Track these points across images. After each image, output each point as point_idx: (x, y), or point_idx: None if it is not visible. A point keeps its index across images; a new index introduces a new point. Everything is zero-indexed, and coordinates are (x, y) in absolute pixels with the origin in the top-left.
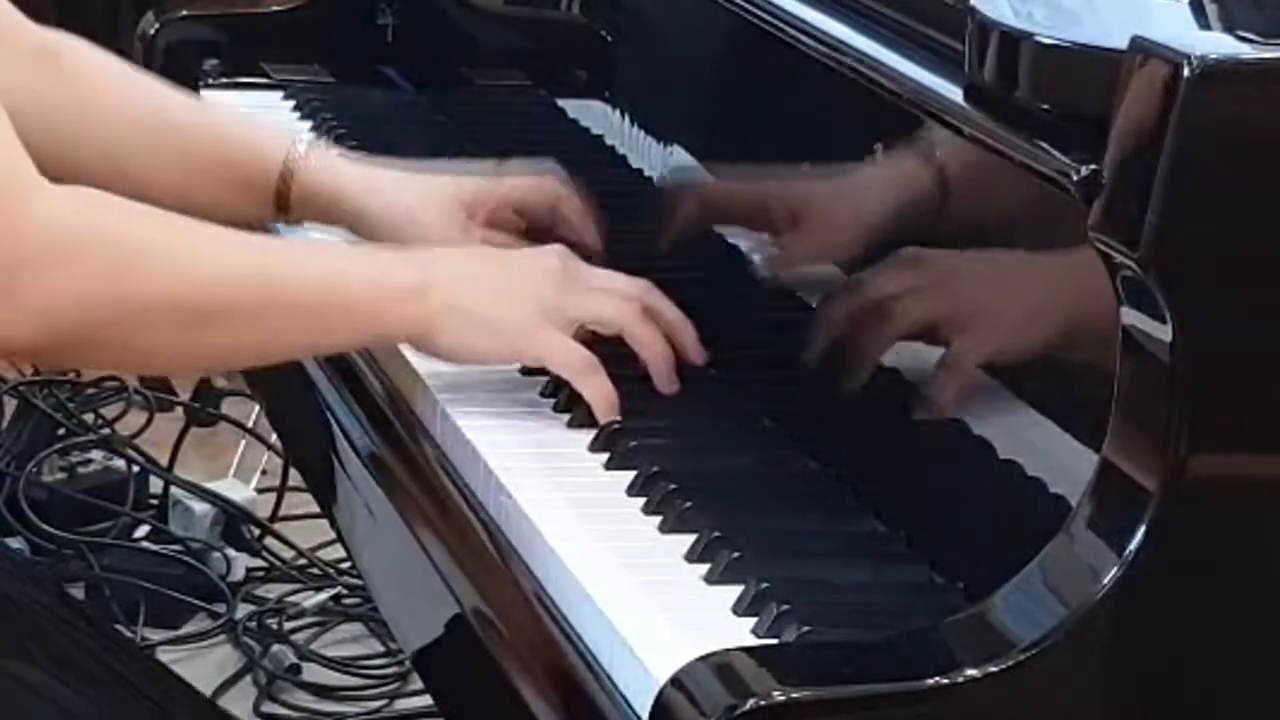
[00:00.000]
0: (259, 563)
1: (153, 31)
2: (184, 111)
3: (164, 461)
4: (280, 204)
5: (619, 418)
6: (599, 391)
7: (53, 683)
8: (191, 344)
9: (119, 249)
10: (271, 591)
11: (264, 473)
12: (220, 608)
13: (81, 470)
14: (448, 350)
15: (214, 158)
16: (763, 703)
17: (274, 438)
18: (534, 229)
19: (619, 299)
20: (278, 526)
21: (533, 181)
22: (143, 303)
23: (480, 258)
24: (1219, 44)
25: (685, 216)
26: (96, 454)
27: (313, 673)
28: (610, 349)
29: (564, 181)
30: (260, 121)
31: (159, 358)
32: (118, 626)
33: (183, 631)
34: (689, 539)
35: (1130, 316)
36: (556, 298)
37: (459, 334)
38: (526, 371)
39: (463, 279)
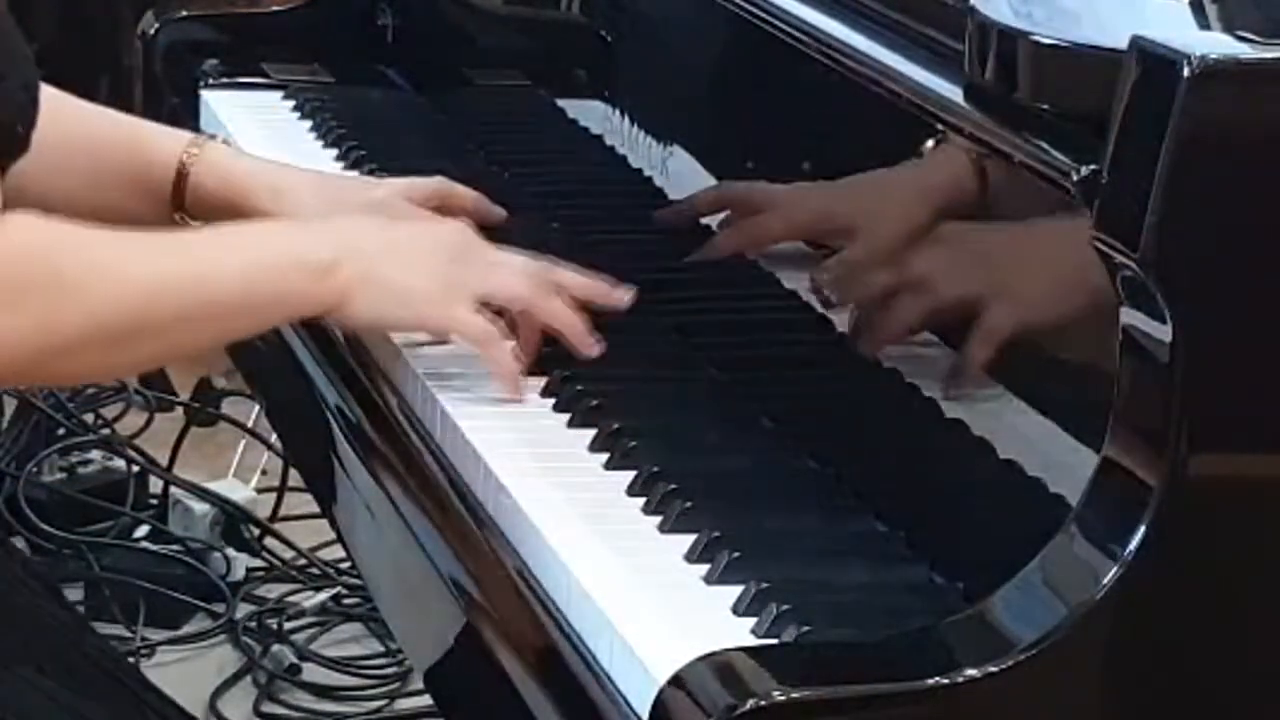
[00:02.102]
0: (259, 563)
1: (153, 31)
2: (81, 120)
3: (164, 461)
4: (178, 205)
5: (519, 396)
6: (502, 362)
7: (63, 690)
8: (122, 359)
9: (44, 292)
10: (271, 591)
11: (264, 473)
12: (220, 608)
13: (81, 470)
14: (359, 319)
15: (110, 164)
16: (763, 703)
17: (274, 438)
18: None
19: (522, 275)
20: (278, 526)
21: (431, 186)
22: (72, 335)
23: (389, 228)
24: (1219, 44)
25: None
26: (96, 454)
27: (313, 673)
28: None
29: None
30: (158, 127)
31: (93, 374)
32: (118, 626)
33: (183, 631)
34: (689, 539)
35: (1130, 316)
36: (462, 271)
37: (371, 305)
38: (527, 371)
39: (373, 251)
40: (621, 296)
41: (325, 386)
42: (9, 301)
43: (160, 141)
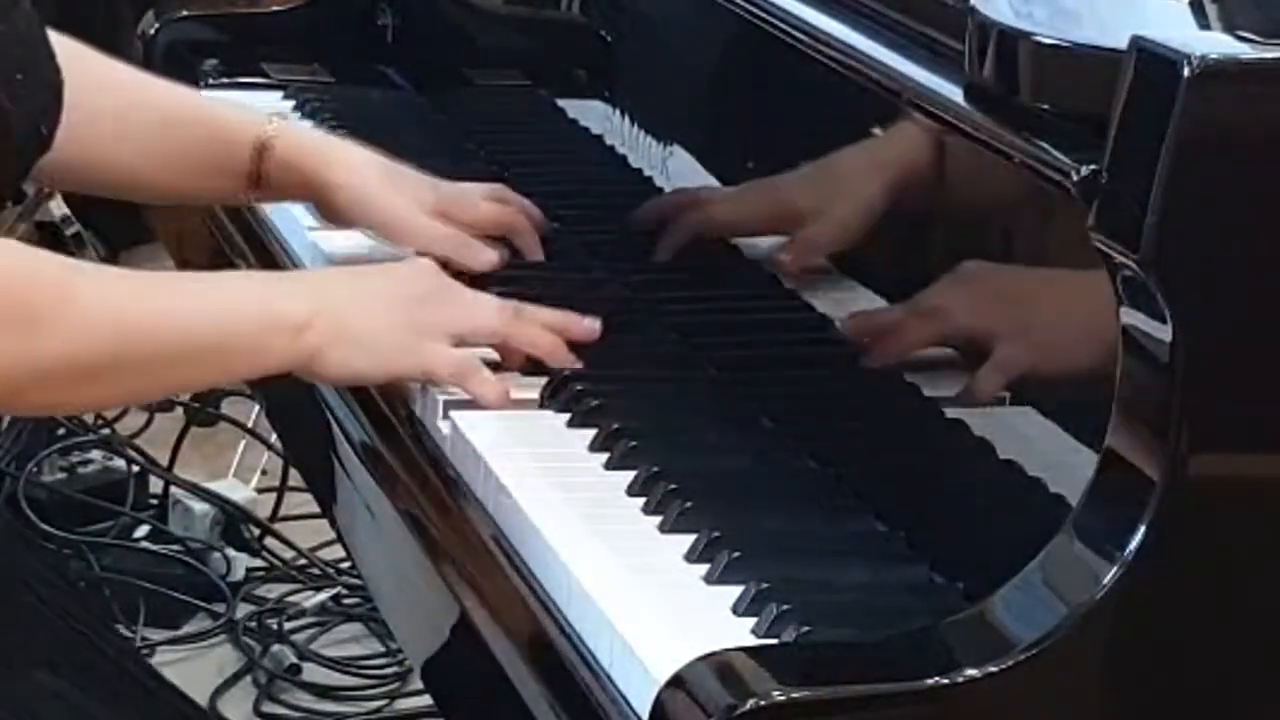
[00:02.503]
0: (259, 563)
1: (153, 31)
2: (164, 95)
3: (164, 461)
4: (253, 182)
5: (509, 409)
6: (488, 390)
7: (74, 690)
8: (84, 396)
9: (19, 322)
10: (271, 591)
11: (264, 473)
12: (220, 608)
13: (81, 470)
14: (334, 377)
15: (186, 144)
16: (763, 703)
17: (274, 438)
18: None
19: (492, 309)
20: (278, 526)
21: (498, 213)
22: (47, 366)
23: (358, 278)
24: (1219, 44)
25: (694, 225)
26: (96, 454)
27: (313, 673)
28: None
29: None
30: (235, 102)
31: (68, 406)
32: (118, 626)
33: (183, 631)
34: (689, 539)
35: (1130, 316)
36: (433, 313)
37: (344, 361)
38: (527, 372)
39: (343, 306)
40: (592, 327)
41: (325, 386)
42: (4, 318)
43: (238, 122)
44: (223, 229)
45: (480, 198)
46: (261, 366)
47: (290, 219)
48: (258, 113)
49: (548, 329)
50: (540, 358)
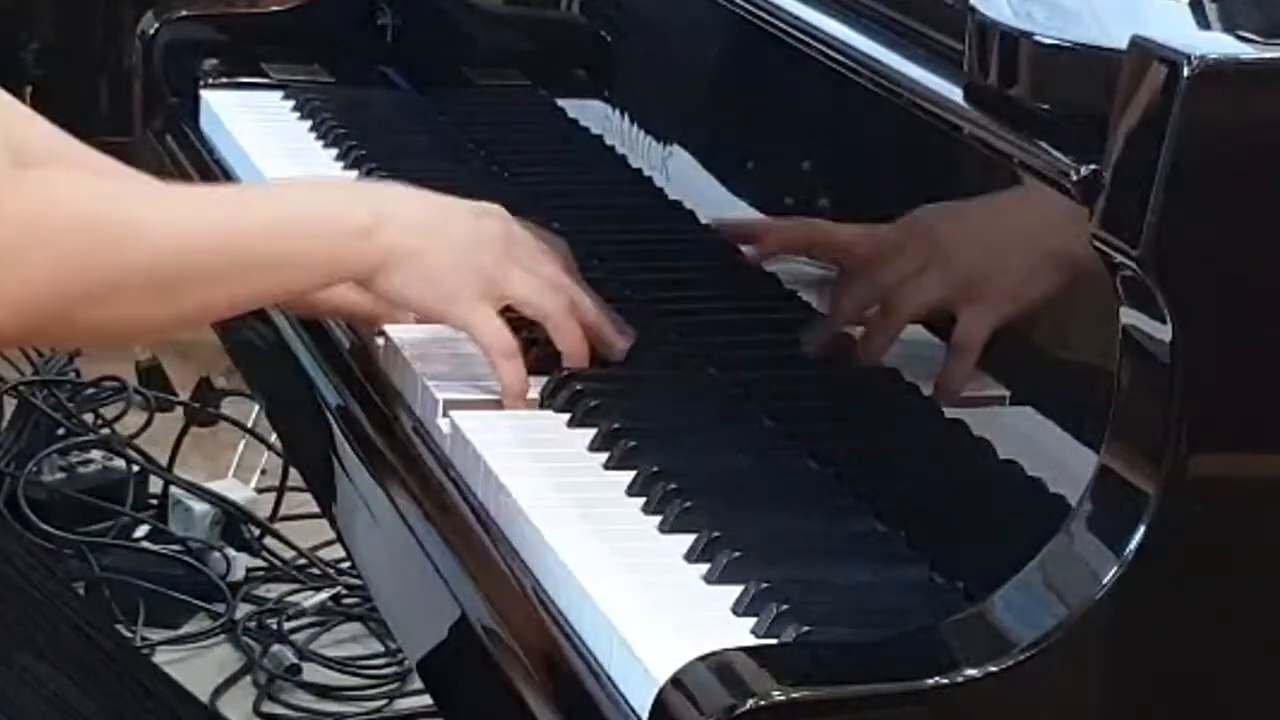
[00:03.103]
0: (259, 563)
1: (153, 31)
2: None
3: (164, 461)
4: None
5: (523, 404)
6: (514, 378)
7: (58, 675)
8: (161, 313)
9: (86, 232)
10: (271, 591)
11: (264, 473)
12: (220, 608)
13: (81, 470)
14: (386, 290)
15: None
16: (762, 703)
17: (274, 438)
18: None
19: (549, 289)
20: (278, 526)
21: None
22: (111, 280)
23: (429, 205)
24: (1219, 44)
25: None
26: (96, 454)
27: (313, 673)
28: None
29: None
30: None
31: (132, 328)
32: (118, 626)
33: (183, 631)
34: (689, 539)
35: (1130, 316)
36: (495, 269)
37: (401, 279)
38: (527, 372)
39: (416, 227)
40: (623, 348)
41: (325, 386)
42: (39, 240)
43: None
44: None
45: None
46: (324, 270)
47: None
48: None
49: (590, 319)
50: (563, 358)
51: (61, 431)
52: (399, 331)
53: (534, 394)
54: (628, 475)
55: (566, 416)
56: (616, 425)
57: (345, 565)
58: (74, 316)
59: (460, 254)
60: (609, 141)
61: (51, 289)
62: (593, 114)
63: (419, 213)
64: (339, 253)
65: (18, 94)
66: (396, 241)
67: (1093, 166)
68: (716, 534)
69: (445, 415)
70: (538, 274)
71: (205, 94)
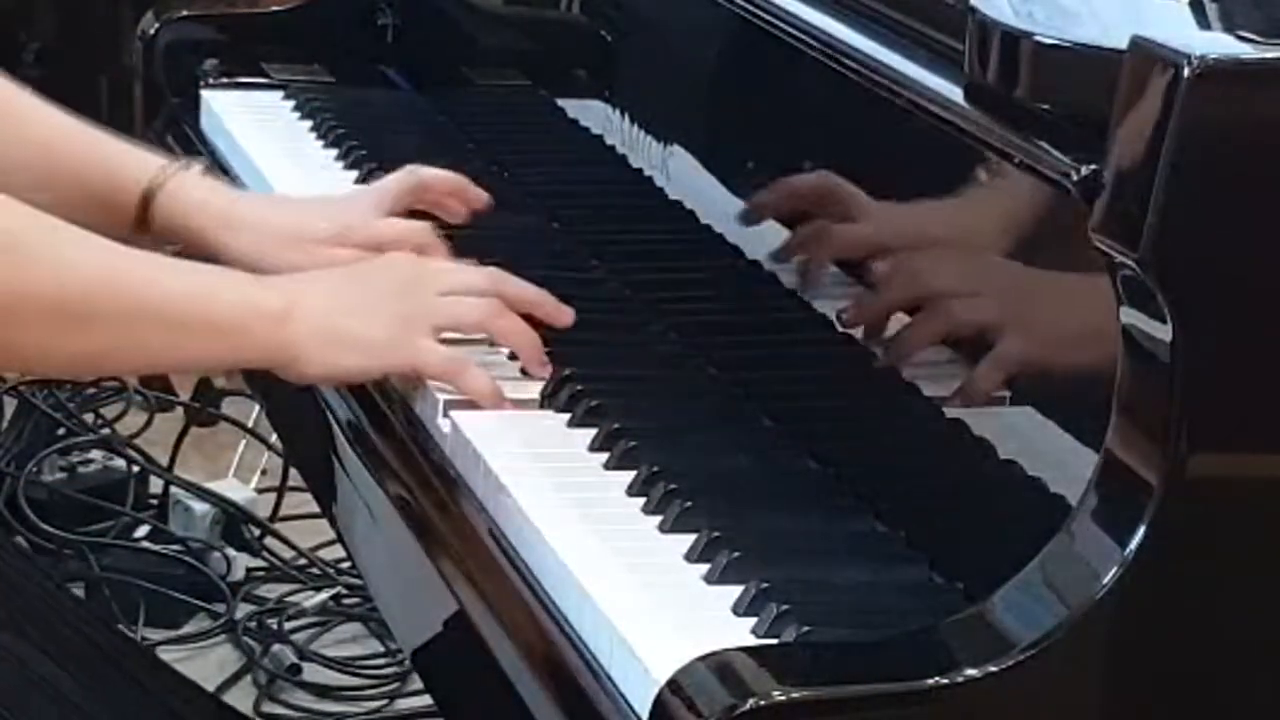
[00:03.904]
0: (259, 563)
1: (153, 31)
2: (44, 123)
3: (164, 461)
4: (140, 227)
5: (506, 408)
6: (479, 385)
7: (46, 660)
8: (62, 346)
9: (1, 252)
10: (271, 591)
11: (264, 473)
12: (220, 608)
13: (81, 470)
14: (316, 374)
15: (75, 177)
16: (763, 703)
17: (274, 438)
18: None
19: (474, 300)
20: (278, 526)
21: (402, 186)
22: (16, 299)
23: (338, 278)
24: (1219, 44)
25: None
26: (96, 454)
27: (313, 673)
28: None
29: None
30: (128, 148)
31: (30, 358)
32: (118, 626)
33: (183, 631)
34: (689, 539)
35: (1130, 316)
36: (416, 307)
37: (327, 357)
38: (526, 371)
39: (324, 303)
40: (566, 317)
41: (326, 389)
42: None
43: (130, 164)
44: None
45: (377, 213)
46: (241, 351)
47: None
48: (153, 160)
49: (527, 311)
50: (518, 355)
51: (61, 431)
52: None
53: (534, 394)
54: (628, 475)
55: (566, 416)
56: (616, 425)
57: (345, 565)
58: None
59: (375, 306)
60: (609, 141)
61: None
62: (593, 114)
63: (319, 287)
64: (253, 332)
65: None
66: (311, 322)
67: (1093, 166)
68: (716, 534)
69: (446, 415)
70: (458, 291)
71: (205, 94)
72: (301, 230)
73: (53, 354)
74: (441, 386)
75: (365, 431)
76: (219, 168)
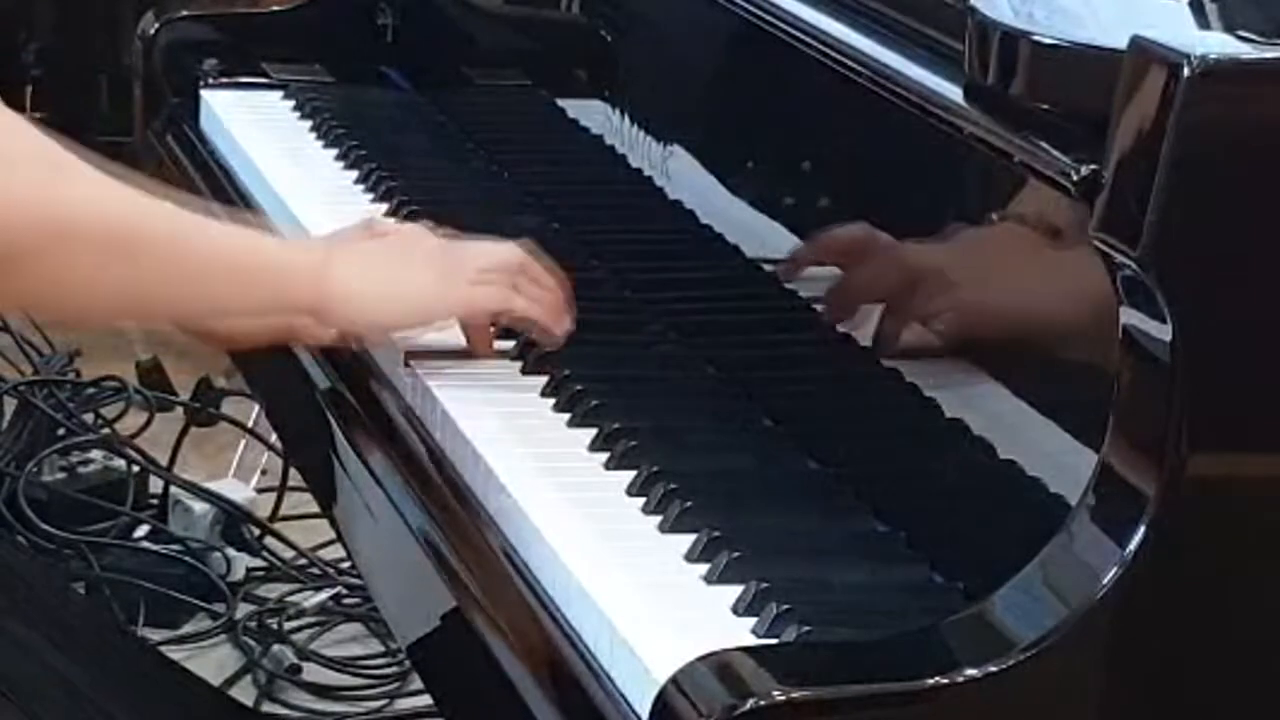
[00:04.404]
0: (259, 563)
1: (153, 31)
2: None
3: (164, 461)
4: None
5: (566, 328)
6: (534, 299)
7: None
8: (109, 279)
9: (46, 164)
10: (271, 591)
11: (264, 473)
12: (220, 608)
13: (81, 470)
14: (354, 322)
15: None
16: (762, 703)
17: (274, 438)
18: None
19: (496, 283)
20: (278, 526)
21: None
22: (66, 220)
23: (368, 245)
24: (1219, 44)
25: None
26: (96, 454)
27: (313, 673)
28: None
29: None
30: None
31: (79, 292)
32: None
33: (183, 631)
34: (689, 539)
35: (1130, 316)
36: (451, 264)
37: (364, 307)
38: (526, 371)
39: (364, 257)
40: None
41: (325, 386)
42: (26, 156)
43: None
44: None
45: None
46: (282, 297)
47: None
48: None
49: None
50: (538, 314)
51: (61, 431)
52: (399, 337)
53: (534, 394)
54: (628, 475)
55: (566, 416)
56: (616, 425)
57: (345, 565)
58: (20, 260)
59: (416, 269)
60: (609, 141)
61: (5, 214)
62: (593, 114)
63: (361, 251)
64: (296, 274)
65: (18, 94)
66: (348, 276)
67: (1093, 166)
68: (716, 534)
69: (446, 416)
70: (485, 269)
71: (205, 94)
72: None
73: (99, 287)
74: (442, 386)
75: (365, 431)
76: (219, 168)
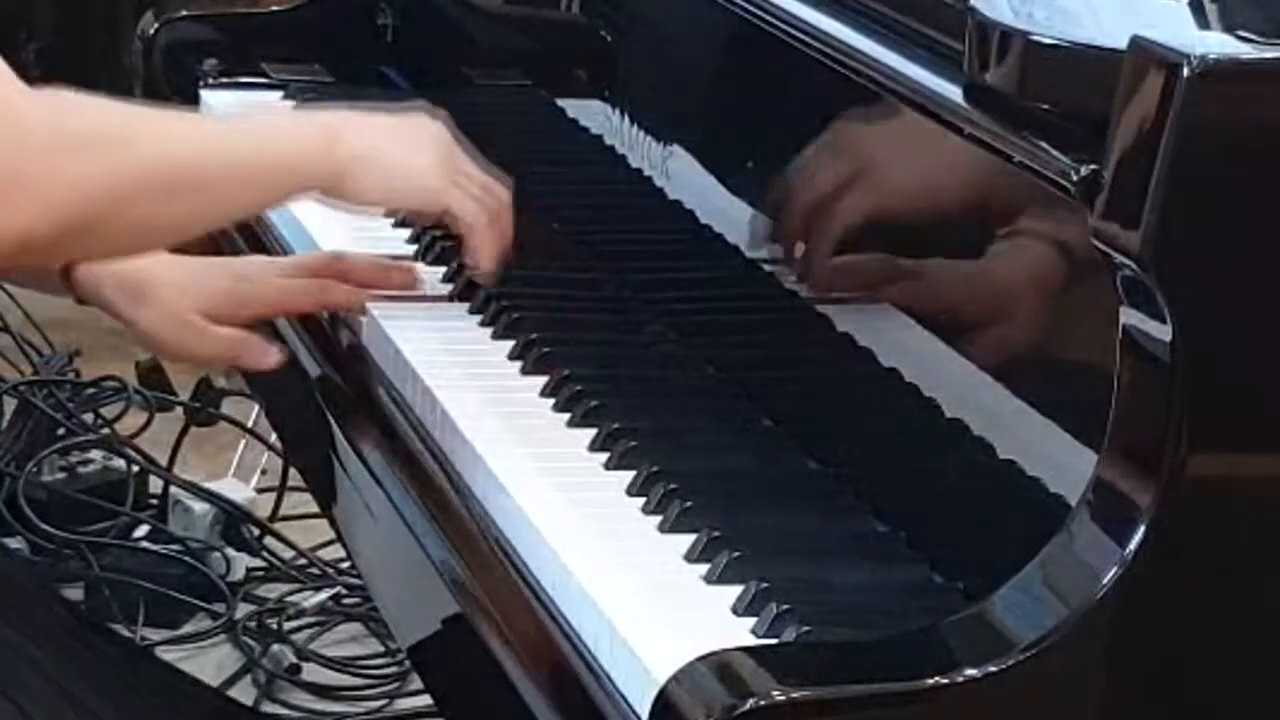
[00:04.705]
0: (259, 563)
1: (153, 31)
2: None
3: (164, 461)
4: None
5: (497, 279)
6: (489, 243)
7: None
8: (173, 213)
9: (106, 138)
10: (271, 591)
11: (264, 473)
12: (220, 608)
13: (81, 470)
14: (357, 194)
15: None
16: (762, 703)
17: (274, 438)
18: None
19: (479, 203)
20: (278, 526)
21: (309, 259)
22: (133, 180)
23: (377, 116)
24: (1219, 44)
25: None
26: (96, 454)
27: (312, 673)
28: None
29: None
30: None
31: (146, 229)
32: (118, 626)
33: (183, 631)
34: (689, 539)
35: (1130, 316)
36: (451, 158)
37: (370, 180)
38: (526, 372)
39: (365, 135)
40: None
41: (325, 386)
42: (78, 147)
43: None
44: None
45: (276, 270)
46: (302, 178)
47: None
48: None
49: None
50: (487, 249)
51: (61, 431)
52: (400, 337)
53: (534, 394)
54: (628, 475)
55: (566, 416)
56: (616, 425)
57: (345, 565)
58: (96, 220)
59: (419, 147)
60: (609, 141)
61: (79, 193)
62: (593, 114)
63: (369, 123)
64: (309, 160)
65: None
66: (356, 149)
67: (1093, 166)
68: (716, 534)
69: (446, 416)
70: (478, 178)
71: (205, 94)
72: (201, 293)
73: (164, 223)
74: (442, 386)
75: (365, 432)
76: None
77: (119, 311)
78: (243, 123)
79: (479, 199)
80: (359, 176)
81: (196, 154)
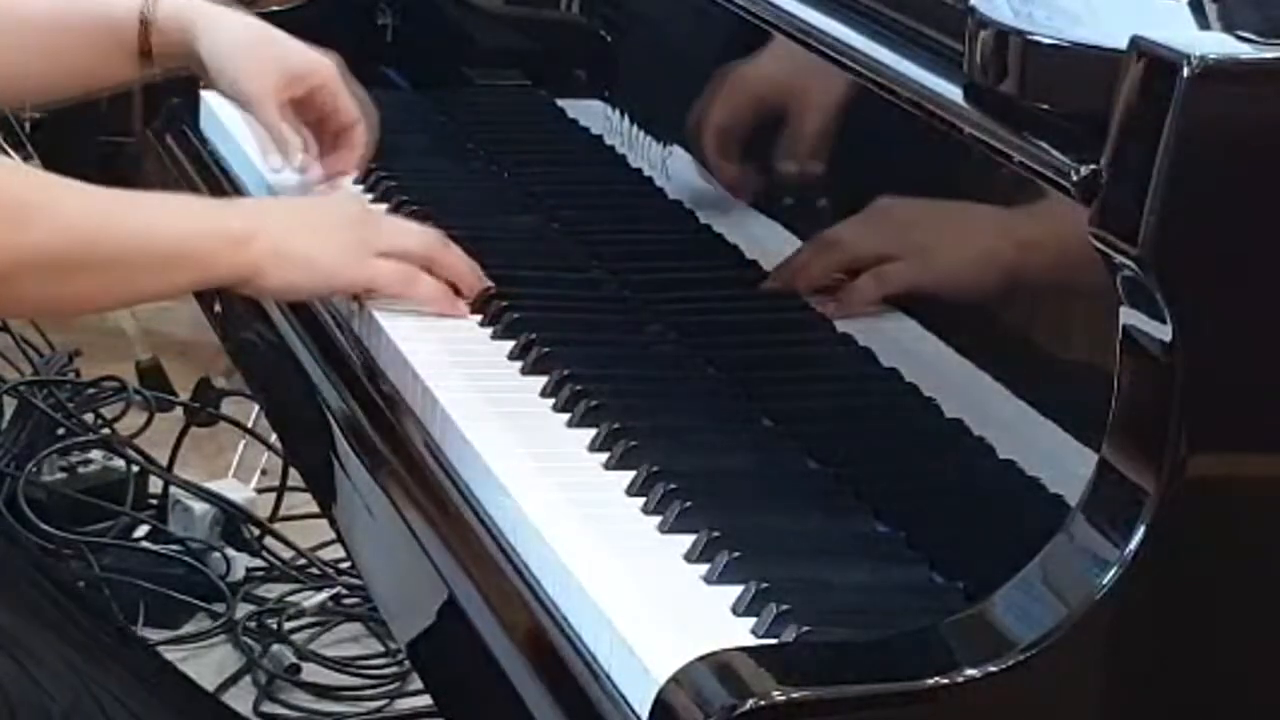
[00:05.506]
0: (259, 563)
1: None
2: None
3: (164, 461)
4: (145, 53)
5: (461, 312)
6: (431, 292)
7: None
8: (59, 293)
9: (5, 217)
10: (271, 591)
11: (264, 473)
12: (220, 608)
13: (81, 470)
14: (274, 290)
15: (71, 26)
16: (762, 703)
17: (274, 438)
18: None
19: (416, 232)
20: (277, 526)
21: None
22: (19, 262)
23: (293, 205)
24: (1219, 44)
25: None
26: (96, 454)
27: (312, 673)
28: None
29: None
30: None
31: (28, 305)
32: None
33: (182, 631)
34: (689, 539)
35: (1130, 316)
36: (365, 234)
37: (284, 277)
38: (526, 371)
39: (283, 227)
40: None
41: (325, 386)
42: None
43: (120, 2)
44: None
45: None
46: (209, 274)
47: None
48: None
49: (454, 276)
50: (458, 287)
51: (61, 431)
52: (400, 337)
53: (534, 394)
54: (628, 475)
55: (566, 416)
56: (616, 425)
57: (345, 565)
58: None
59: (329, 233)
60: (609, 141)
61: None
62: (593, 114)
63: (278, 213)
64: (218, 257)
65: None
66: (269, 245)
67: (1092, 166)
68: (716, 534)
69: (446, 416)
70: (402, 224)
71: (205, 94)
72: (265, 59)
73: (49, 300)
74: (442, 387)
75: (365, 432)
76: (218, 168)
77: (195, 47)
78: (166, 208)
79: (405, 256)
80: (272, 275)
81: (99, 237)
